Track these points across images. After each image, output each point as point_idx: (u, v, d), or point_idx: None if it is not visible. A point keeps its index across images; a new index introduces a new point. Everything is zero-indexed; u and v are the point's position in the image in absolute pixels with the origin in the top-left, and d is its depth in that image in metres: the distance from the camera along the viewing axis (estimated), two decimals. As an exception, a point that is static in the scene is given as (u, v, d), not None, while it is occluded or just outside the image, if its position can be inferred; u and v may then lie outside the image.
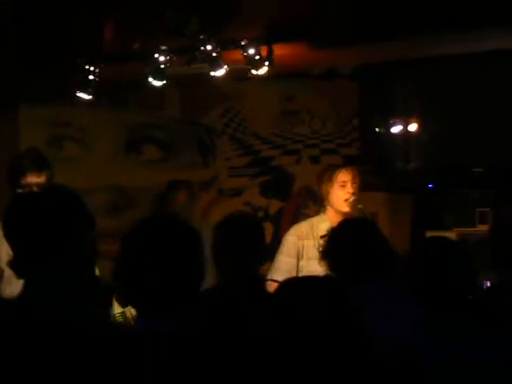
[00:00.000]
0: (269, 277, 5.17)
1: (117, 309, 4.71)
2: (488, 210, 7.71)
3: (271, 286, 4.89)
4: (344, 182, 5.20)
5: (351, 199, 5.16)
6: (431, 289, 3.09)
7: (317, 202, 8.25)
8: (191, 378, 2.30)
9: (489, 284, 4.60)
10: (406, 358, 2.90)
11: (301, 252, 5.20)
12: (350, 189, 5.18)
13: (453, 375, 2.91)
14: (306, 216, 8.29)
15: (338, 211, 5.24)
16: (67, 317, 2.18)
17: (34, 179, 4.56)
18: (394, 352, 2.84)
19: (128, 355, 2.18)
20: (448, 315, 3.06)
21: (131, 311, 4.58)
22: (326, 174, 5.35)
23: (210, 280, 3.72)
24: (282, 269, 5.21)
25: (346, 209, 5.19)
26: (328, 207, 5.32)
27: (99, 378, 2.12)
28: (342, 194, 5.19)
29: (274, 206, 8.60)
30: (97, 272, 4.64)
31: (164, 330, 2.39)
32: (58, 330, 2.10)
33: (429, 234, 7.14)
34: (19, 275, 2.55)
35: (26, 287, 2.50)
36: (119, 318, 4.66)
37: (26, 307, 2.34)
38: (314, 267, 4.65)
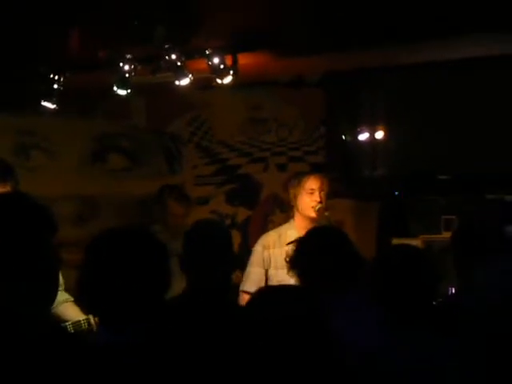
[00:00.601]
0: (241, 288, 5.24)
1: (81, 315, 4.70)
2: (454, 217, 7.76)
3: (243, 298, 4.96)
4: (312, 189, 5.25)
5: (318, 206, 5.20)
6: (396, 296, 3.11)
7: (284, 210, 8.29)
8: None
9: (454, 290, 4.63)
10: (371, 365, 2.91)
11: (267, 262, 5.24)
12: (317, 196, 5.23)
13: (418, 381, 2.92)
14: (274, 224, 8.34)
15: (305, 217, 5.27)
16: (25, 326, 2.17)
17: None
18: (360, 359, 2.85)
19: (87, 367, 2.17)
20: (413, 322, 3.08)
21: (95, 318, 4.58)
22: (295, 181, 5.39)
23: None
24: (251, 279, 5.29)
25: (312, 215, 5.22)
26: (296, 213, 5.35)
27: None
28: (309, 200, 5.25)
29: (242, 214, 8.59)
30: (61, 280, 4.63)
31: (125, 339, 2.39)
32: (16, 342, 2.09)
33: (395, 241, 7.17)
34: None
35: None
36: (84, 325, 4.65)
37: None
38: (283, 276, 4.67)
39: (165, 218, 6.38)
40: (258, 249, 5.36)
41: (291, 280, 4.21)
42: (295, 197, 5.32)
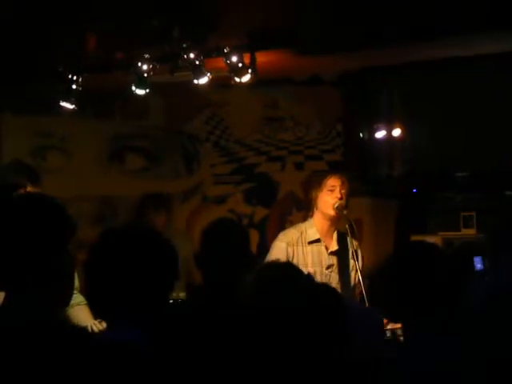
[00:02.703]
0: None
1: (91, 320, 4.69)
2: (472, 214, 7.74)
3: None
4: (333, 186, 5.25)
5: (337, 204, 5.19)
6: (411, 293, 3.09)
7: (301, 209, 8.30)
8: None
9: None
10: (379, 362, 2.90)
11: (291, 259, 5.19)
12: (337, 194, 5.22)
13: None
14: (292, 223, 8.34)
15: (325, 216, 5.27)
16: (46, 329, 2.18)
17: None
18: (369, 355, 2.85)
19: (95, 365, 2.18)
20: (426, 319, 3.06)
21: (102, 323, 4.59)
22: (317, 179, 5.41)
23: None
24: None
25: (332, 212, 5.22)
26: (316, 212, 5.34)
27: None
28: (329, 198, 5.24)
29: (259, 213, 8.59)
30: (76, 283, 4.63)
31: (129, 339, 2.37)
32: (34, 343, 2.10)
33: (414, 238, 7.17)
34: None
35: (8, 299, 2.47)
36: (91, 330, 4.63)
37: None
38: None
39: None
40: (281, 245, 5.30)
41: None
42: (316, 196, 5.32)
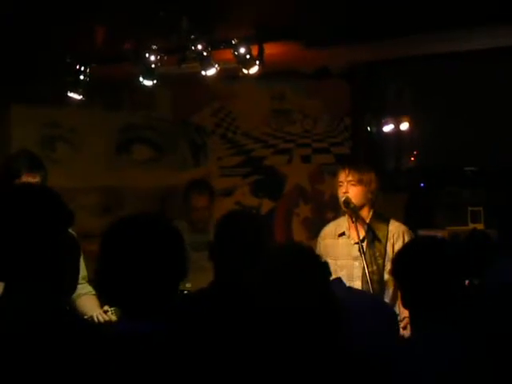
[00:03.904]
0: None
1: (97, 309, 4.71)
2: (480, 208, 7.73)
3: None
4: (341, 182, 5.27)
5: (343, 198, 5.20)
6: (419, 287, 3.09)
7: (308, 202, 8.30)
8: (168, 378, 2.30)
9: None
10: (380, 358, 2.90)
11: (320, 252, 5.18)
12: (343, 188, 5.22)
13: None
14: (298, 216, 8.35)
15: None
16: (48, 319, 2.18)
17: (29, 180, 4.54)
18: (370, 352, 2.84)
19: (106, 356, 2.17)
20: (431, 316, 3.05)
21: (108, 313, 4.61)
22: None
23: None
24: None
25: (342, 207, 5.24)
26: None
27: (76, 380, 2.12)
28: (340, 194, 5.25)
29: (266, 205, 8.59)
30: (85, 272, 4.65)
31: (144, 329, 2.38)
32: (38, 333, 2.10)
33: (421, 233, 7.15)
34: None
35: (7, 290, 2.47)
36: (117, 313, 4.64)
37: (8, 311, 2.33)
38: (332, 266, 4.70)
39: (188, 213, 6.43)
40: (317, 240, 5.48)
41: (338, 270, 4.76)
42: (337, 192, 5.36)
